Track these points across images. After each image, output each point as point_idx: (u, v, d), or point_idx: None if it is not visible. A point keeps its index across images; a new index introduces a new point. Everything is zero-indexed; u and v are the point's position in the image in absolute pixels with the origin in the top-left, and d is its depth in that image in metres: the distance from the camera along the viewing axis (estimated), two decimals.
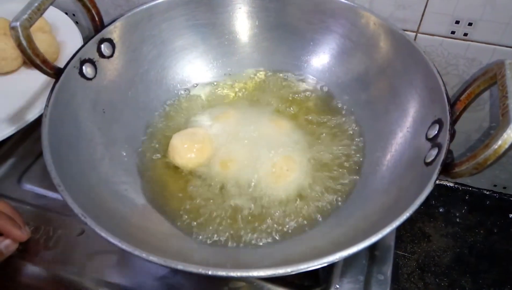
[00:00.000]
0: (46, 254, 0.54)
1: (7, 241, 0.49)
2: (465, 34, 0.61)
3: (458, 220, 0.78)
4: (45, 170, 0.64)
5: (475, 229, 0.77)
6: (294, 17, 0.64)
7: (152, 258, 0.35)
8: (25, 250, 0.53)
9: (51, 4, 0.50)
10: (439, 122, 0.47)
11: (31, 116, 0.61)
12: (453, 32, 0.61)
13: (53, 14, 0.77)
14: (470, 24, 0.59)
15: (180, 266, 0.35)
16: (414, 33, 0.63)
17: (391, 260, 0.53)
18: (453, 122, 0.46)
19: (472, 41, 0.61)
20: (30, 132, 0.68)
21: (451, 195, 0.80)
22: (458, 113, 0.47)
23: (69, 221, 0.58)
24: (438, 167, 0.41)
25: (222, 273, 0.35)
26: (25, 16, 0.47)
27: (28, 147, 0.67)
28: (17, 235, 0.50)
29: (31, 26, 0.47)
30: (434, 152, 0.44)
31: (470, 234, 0.76)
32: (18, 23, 0.46)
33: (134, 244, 0.37)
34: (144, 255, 0.36)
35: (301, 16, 0.63)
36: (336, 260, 0.37)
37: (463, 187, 0.80)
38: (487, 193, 0.79)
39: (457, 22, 0.60)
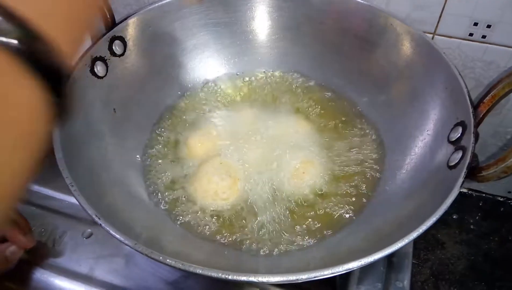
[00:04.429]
0: (54, 257, 0.53)
1: (13, 248, 0.48)
2: (483, 37, 0.59)
3: (472, 227, 0.76)
4: (52, 171, 0.63)
5: (489, 236, 0.75)
6: (308, 17, 0.62)
7: (169, 261, 0.34)
8: (32, 253, 0.51)
9: None
10: (462, 124, 0.45)
11: None
12: (471, 34, 0.60)
13: None
14: (488, 26, 0.58)
15: (199, 270, 0.33)
16: (431, 35, 0.61)
17: (409, 267, 0.52)
18: (477, 124, 0.44)
19: (490, 43, 0.60)
20: None
21: (465, 201, 0.78)
22: (481, 116, 0.46)
23: (76, 223, 0.56)
24: (464, 170, 0.40)
25: (243, 278, 0.33)
26: None
27: None
28: (23, 242, 0.48)
29: None
30: (458, 155, 0.43)
31: (485, 241, 0.74)
32: None
33: (149, 246, 0.35)
34: (161, 258, 0.34)
35: (316, 16, 0.62)
36: (359, 267, 0.35)
37: (476, 194, 0.79)
38: (501, 199, 0.78)
39: (476, 24, 0.59)
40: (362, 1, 0.58)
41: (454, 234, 0.76)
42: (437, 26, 0.61)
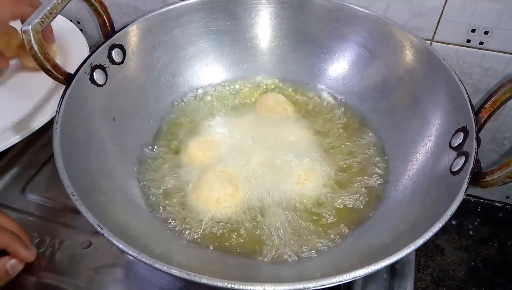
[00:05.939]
0: (52, 268, 0.52)
1: (13, 261, 0.47)
2: (481, 43, 0.60)
3: (471, 232, 0.76)
4: (49, 180, 0.63)
5: (488, 241, 0.75)
6: (307, 24, 0.63)
7: (174, 271, 0.33)
8: (30, 264, 0.50)
9: (63, 8, 0.48)
10: (463, 130, 0.46)
11: (36, 124, 0.59)
12: (468, 41, 0.60)
13: (58, 21, 0.76)
14: (486, 32, 0.59)
15: (205, 280, 0.33)
16: (429, 42, 0.62)
17: (412, 274, 0.52)
18: (478, 130, 0.45)
19: (487, 50, 0.61)
20: (33, 141, 0.66)
21: (463, 207, 0.78)
22: (482, 121, 0.46)
23: (75, 233, 0.55)
24: (468, 176, 0.40)
25: (249, 287, 0.33)
26: (37, 20, 0.45)
27: (32, 156, 0.64)
28: (24, 255, 0.47)
29: (42, 30, 0.46)
30: (461, 161, 0.43)
31: (484, 247, 0.75)
32: (30, 27, 0.44)
33: (152, 256, 0.35)
34: (165, 268, 0.33)
35: (315, 24, 0.62)
36: (366, 274, 0.35)
37: (474, 199, 0.79)
38: (499, 205, 0.78)
39: (473, 30, 0.59)
40: (361, 9, 0.58)
41: (453, 240, 0.76)
42: (435, 33, 0.61)
